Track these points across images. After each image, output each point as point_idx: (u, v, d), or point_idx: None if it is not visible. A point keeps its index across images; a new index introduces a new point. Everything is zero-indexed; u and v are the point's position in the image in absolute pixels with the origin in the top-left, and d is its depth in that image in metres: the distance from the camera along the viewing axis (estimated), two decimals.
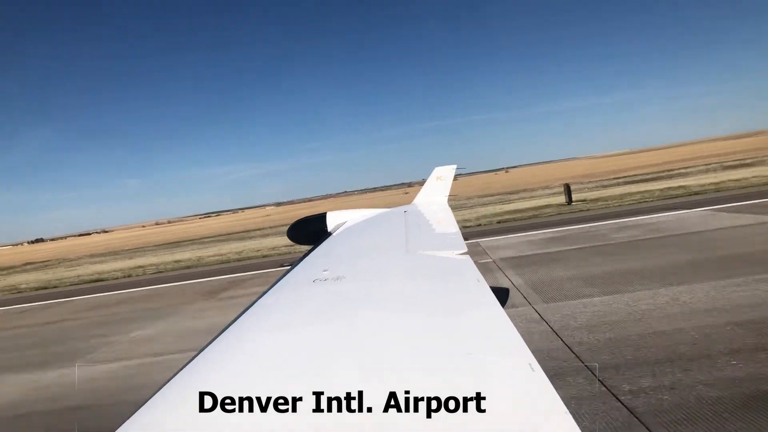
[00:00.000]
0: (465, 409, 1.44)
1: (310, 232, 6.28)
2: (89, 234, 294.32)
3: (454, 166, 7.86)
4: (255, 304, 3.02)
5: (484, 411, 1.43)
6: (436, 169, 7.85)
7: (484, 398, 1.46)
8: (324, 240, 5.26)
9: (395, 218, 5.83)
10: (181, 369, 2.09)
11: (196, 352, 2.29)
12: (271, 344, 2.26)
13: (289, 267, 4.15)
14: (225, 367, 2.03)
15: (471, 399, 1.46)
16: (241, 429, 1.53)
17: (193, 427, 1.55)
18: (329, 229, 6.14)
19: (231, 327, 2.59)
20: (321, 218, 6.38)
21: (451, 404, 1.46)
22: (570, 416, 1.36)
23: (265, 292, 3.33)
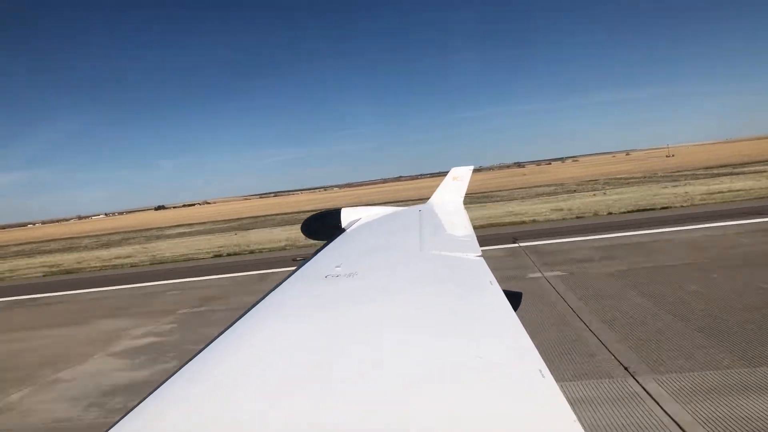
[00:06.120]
0: (474, 416, 1.29)
1: (324, 227, 5.74)
2: (193, 205, 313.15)
3: (471, 167, 7.15)
4: (265, 299, 2.73)
5: (492, 417, 1.29)
6: (453, 169, 7.16)
7: (492, 404, 1.34)
8: (338, 236, 4.86)
9: (410, 217, 5.35)
10: (175, 372, 1.83)
11: (193, 354, 1.99)
12: (275, 348, 1.99)
13: (301, 261, 3.91)
14: (225, 372, 1.77)
15: (480, 405, 1.33)
16: None
17: None
18: (343, 225, 5.66)
19: (238, 322, 2.32)
20: (335, 214, 5.86)
21: (461, 411, 1.31)
22: (579, 425, 1.22)
23: (276, 287, 3.01)
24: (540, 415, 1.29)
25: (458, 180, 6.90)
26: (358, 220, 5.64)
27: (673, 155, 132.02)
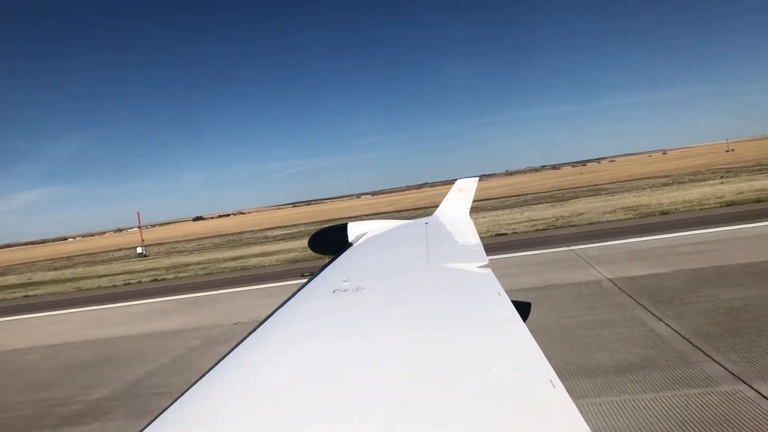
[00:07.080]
0: (486, 429, 1.29)
1: (331, 242, 5.72)
2: (228, 215, 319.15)
3: (477, 179, 7.04)
4: (274, 314, 2.77)
5: (504, 429, 1.28)
6: (458, 181, 7.07)
7: (504, 416, 1.33)
8: (345, 250, 4.87)
9: (416, 230, 5.35)
10: (187, 390, 1.86)
11: (208, 368, 2.05)
12: (285, 364, 2.01)
13: (309, 276, 3.87)
14: (234, 396, 1.76)
15: (492, 418, 1.32)
16: None
17: None
18: (350, 239, 5.62)
19: (247, 339, 2.35)
20: (342, 229, 5.82)
21: (473, 424, 1.30)
22: None
23: (285, 302, 3.06)
24: (552, 426, 1.27)
25: (464, 191, 6.82)
26: (364, 234, 5.63)
27: (733, 150, 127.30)
